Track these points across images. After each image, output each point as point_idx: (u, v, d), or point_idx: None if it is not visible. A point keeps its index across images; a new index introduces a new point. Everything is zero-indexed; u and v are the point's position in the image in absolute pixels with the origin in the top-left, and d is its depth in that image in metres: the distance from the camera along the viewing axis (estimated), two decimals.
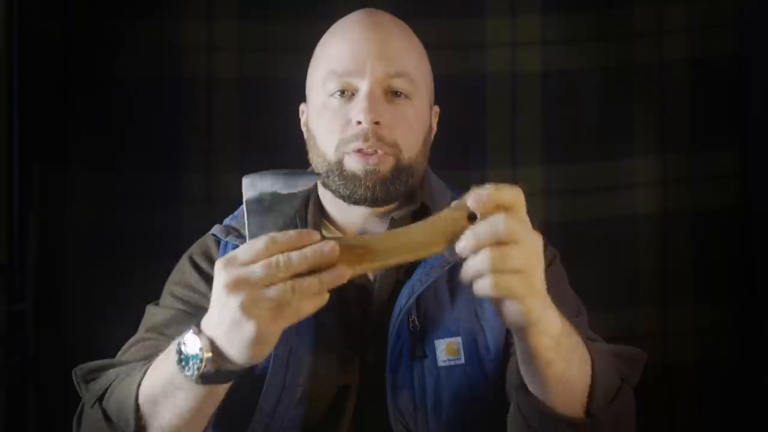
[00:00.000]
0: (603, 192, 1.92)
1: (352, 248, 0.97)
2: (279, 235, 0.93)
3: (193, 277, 1.35)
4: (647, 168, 1.91)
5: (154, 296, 1.38)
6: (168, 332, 1.29)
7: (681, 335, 1.92)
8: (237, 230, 1.36)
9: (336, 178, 1.28)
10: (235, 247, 1.32)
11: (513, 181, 1.89)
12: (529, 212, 0.95)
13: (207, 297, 1.32)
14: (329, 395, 1.27)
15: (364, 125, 1.25)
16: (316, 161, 1.32)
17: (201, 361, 0.97)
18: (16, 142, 1.83)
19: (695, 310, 1.93)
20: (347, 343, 1.28)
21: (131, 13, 1.88)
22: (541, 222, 1.86)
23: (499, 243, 0.92)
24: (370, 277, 1.31)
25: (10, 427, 1.82)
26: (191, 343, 0.98)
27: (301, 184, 0.97)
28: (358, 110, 1.26)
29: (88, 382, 1.20)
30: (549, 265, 1.33)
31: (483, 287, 0.93)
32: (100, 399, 1.16)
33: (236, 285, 0.93)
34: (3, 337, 1.80)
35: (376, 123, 1.25)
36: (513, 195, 0.94)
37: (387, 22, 1.33)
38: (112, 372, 1.20)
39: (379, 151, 1.26)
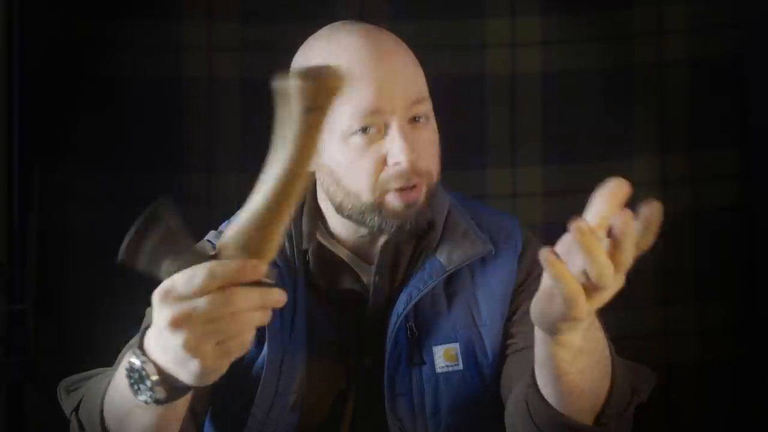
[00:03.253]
0: None
1: None
2: (219, 269, 0.84)
3: None
4: (647, 168, 1.91)
5: None
6: None
7: (682, 335, 1.92)
8: None
9: (375, 217, 1.21)
10: None
11: (513, 180, 1.90)
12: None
13: None
14: (326, 402, 1.26)
15: (404, 165, 1.18)
16: (340, 199, 1.23)
17: (151, 388, 0.90)
18: (16, 142, 1.83)
19: (696, 310, 1.92)
20: (343, 349, 1.27)
21: (132, 13, 1.88)
22: (541, 222, 1.87)
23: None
24: (365, 280, 1.28)
25: (10, 427, 1.82)
26: (138, 369, 0.91)
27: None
28: (395, 151, 1.18)
29: (69, 392, 1.17)
30: None
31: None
32: (77, 409, 1.14)
33: (177, 322, 0.85)
34: (3, 337, 1.81)
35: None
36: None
37: (391, 43, 1.23)
38: (92, 381, 1.16)
39: (417, 184, 1.21)
